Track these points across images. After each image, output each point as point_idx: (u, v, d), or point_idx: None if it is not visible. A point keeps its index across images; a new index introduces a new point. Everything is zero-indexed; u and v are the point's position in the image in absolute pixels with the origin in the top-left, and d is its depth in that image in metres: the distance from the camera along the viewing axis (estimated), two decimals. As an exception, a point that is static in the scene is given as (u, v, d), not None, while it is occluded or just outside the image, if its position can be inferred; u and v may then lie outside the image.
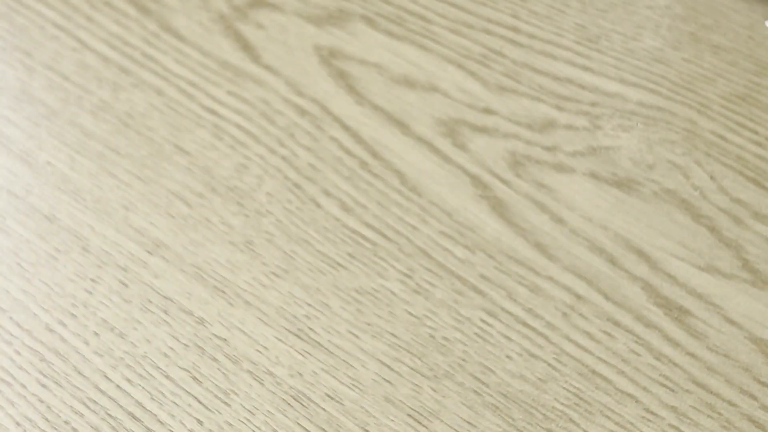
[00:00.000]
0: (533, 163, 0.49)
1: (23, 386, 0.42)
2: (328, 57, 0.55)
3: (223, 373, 0.42)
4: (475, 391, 0.41)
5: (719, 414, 0.40)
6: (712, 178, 0.48)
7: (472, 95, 0.52)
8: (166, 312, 0.44)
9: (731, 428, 0.39)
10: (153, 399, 0.41)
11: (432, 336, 0.43)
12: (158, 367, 0.42)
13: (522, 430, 0.40)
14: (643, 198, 0.47)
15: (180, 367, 0.42)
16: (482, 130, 0.51)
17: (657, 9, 0.57)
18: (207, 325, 0.43)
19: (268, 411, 0.40)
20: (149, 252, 0.46)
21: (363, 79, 0.53)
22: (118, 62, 0.55)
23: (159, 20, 0.57)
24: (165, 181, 0.49)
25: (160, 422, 0.40)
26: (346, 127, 0.51)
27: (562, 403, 0.40)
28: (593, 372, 0.41)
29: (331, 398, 0.41)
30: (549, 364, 0.42)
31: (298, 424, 0.40)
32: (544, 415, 0.40)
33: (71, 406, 0.41)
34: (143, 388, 0.41)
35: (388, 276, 0.45)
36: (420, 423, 0.40)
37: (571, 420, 0.40)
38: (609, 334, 0.42)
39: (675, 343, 0.42)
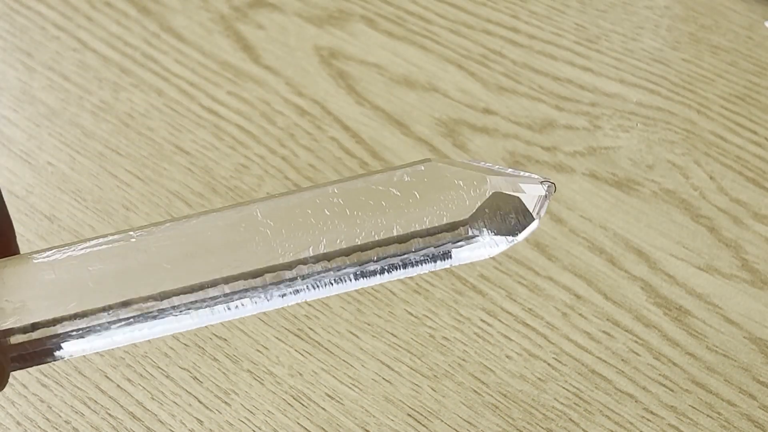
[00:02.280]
0: (533, 163, 0.49)
1: (24, 386, 0.42)
2: (328, 57, 0.55)
3: (224, 373, 0.42)
4: (474, 391, 0.41)
5: (718, 413, 0.40)
6: (711, 178, 0.48)
7: (472, 95, 0.52)
8: (166, 312, 0.44)
9: (730, 428, 0.39)
10: (153, 398, 0.41)
11: (432, 336, 0.43)
12: (159, 367, 0.42)
13: (522, 429, 0.40)
14: (643, 198, 0.47)
15: (180, 367, 0.42)
16: (482, 130, 0.51)
17: (656, 9, 0.57)
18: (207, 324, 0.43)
19: (269, 410, 0.41)
20: (150, 252, 0.46)
21: (363, 79, 0.53)
22: (119, 62, 0.55)
23: (159, 21, 0.57)
24: (165, 181, 0.49)
25: (161, 422, 0.40)
26: (346, 127, 0.51)
27: (562, 403, 0.40)
28: (593, 372, 0.41)
29: (331, 398, 0.41)
30: (549, 364, 0.42)
31: (298, 423, 0.40)
32: (543, 414, 0.40)
33: (72, 406, 0.41)
34: (144, 387, 0.41)
35: (388, 276, 0.45)
36: (420, 423, 0.40)
37: (571, 419, 0.40)
38: (608, 334, 0.42)
39: (674, 343, 0.42)
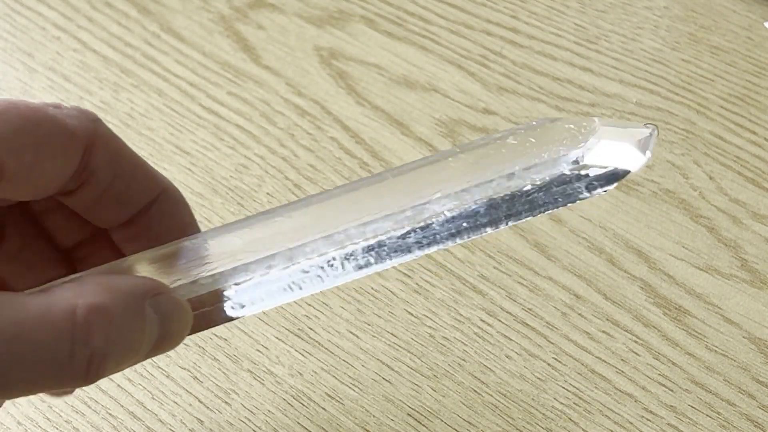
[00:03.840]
0: (533, 163, 0.49)
1: (25, 386, 0.42)
2: (328, 57, 0.55)
3: (224, 373, 0.42)
4: (474, 391, 0.41)
5: (718, 413, 0.40)
6: (710, 178, 0.48)
7: (471, 95, 0.52)
8: (166, 312, 0.44)
9: (730, 427, 0.40)
10: (154, 398, 0.41)
11: (432, 336, 0.43)
12: (159, 367, 0.42)
13: (521, 429, 0.40)
14: (643, 198, 0.47)
15: (181, 367, 0.42)
16: (482, 130, 0.51)
17: (656, 10, 0.57)
18: (208, 324, 0.43)
19: (269, 410, 0.41)
20: (150, 252, 0.46)
21: (363, 80, 0.53)
22: (119, 63, 0.55)
23: (160, 21, 0.57)
24: (166, 182, 0.49)
25: (161, 421, 0.40)
26: (346, 127, 0.51)
27: (562, 403, 0.40)
28: (592, 371, 0.41)
29: (331, 397, 0.41)
30: (548, 364, 0.42)
31: (299, 423, 0.40)
32: (543, 414, 0.40)
33: (72, 405, 0.41)
34: (144, 387, 0.41)
35: (388, 276, 0.45)
36: (420, 422, 0.40)
37: (571, 419, 0.40)
38: (608, 334, 0.43)
39: (674, 343, 0.42)
